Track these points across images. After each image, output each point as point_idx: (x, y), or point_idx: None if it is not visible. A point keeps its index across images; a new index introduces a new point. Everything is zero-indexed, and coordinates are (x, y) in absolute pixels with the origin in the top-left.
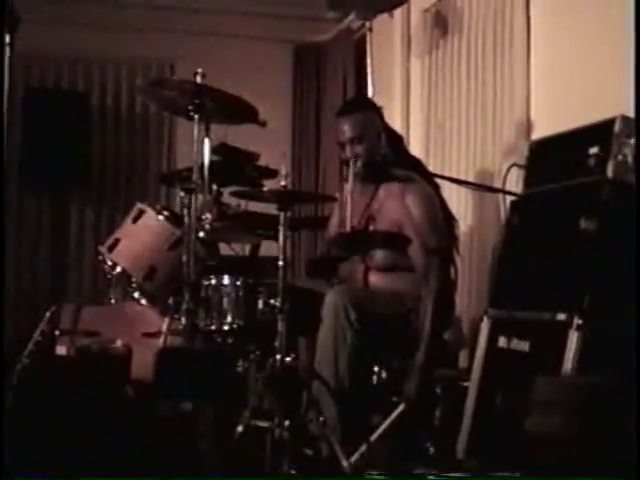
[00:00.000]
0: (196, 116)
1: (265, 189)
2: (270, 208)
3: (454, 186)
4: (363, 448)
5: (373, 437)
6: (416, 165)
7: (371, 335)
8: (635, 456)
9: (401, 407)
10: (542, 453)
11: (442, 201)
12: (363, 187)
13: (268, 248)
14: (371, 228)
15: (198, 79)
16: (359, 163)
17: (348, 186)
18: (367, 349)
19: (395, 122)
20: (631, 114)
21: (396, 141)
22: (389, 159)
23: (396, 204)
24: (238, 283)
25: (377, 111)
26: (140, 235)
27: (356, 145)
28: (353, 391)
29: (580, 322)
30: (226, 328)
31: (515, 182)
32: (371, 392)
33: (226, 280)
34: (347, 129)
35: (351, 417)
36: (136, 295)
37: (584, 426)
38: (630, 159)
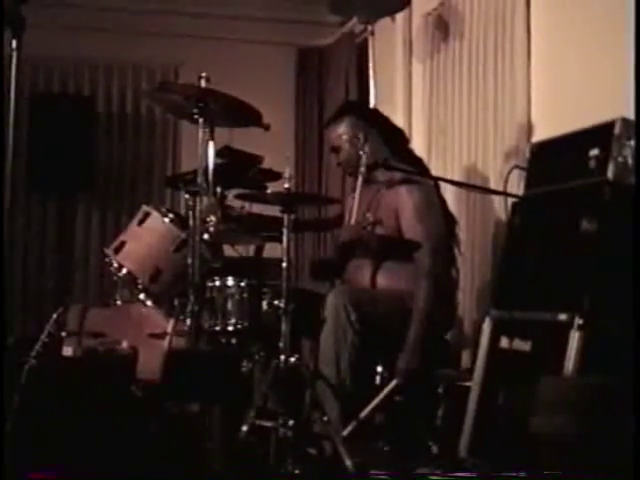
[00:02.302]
0: (200, 119)
1: (269, 191)
2: (274, 210)
3: (456, 188)
4: (354, 423)
5: (364, 413)
6: (417, 163)
7: (372, 335)
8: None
9: (394, 382)
10: (547, 453)
11: (443, 202)
12: (368, 189)
13: (272, 250)
14: (378, 230)
15: (202, 83)
16: (348, 170)
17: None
18: (368, 349)
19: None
20: (631, 116)
21: (395, 139)
22: (385, 158)
23: (395, 193)
24: (242, 284)
25: (359, 114)
26: (146, 237)
27: (336, 154)
28: (355, 391)
29: (581, 322)
30: (230, 329)
31: (516, 184)
32: (374, 392)
33: (230, 282)
34: (328, 140)
35: (354, 416)
36: (142, 297)
37: (589, 426)
38: (630, 161)
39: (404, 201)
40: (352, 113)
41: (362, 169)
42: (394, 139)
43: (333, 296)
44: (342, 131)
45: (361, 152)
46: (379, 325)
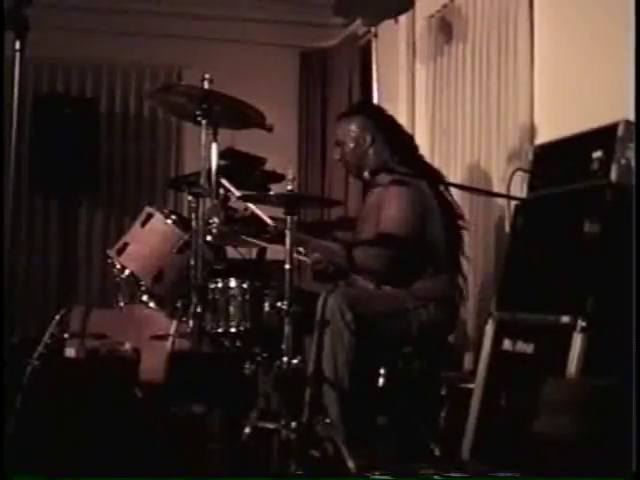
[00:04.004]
0: (204, 121)
1: (272, 193)
2: (277, 212)
3: (459, 191)
4: None
5: None
6: (421, 166)
7: (369, 335)
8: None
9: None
10: (550, 454)
11: (447, 201)
12: (371, 192)
13: (275, 251)
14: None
15: (205, 84)
16: (346, 167)
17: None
18: (366, 349)
19: None
20: (634, 118)
21: (400, 142)
22: (386, 162)
23: (380, 193)
24: (245, 286)
25: (371, 115)
26: (148, 239)
27: (338, 148)
28: (354, 391)
29: (584, 324)
30: (233, 331)
31: (520, 186)
32: (376, 393)
33: (233, 283)
34: (335, 133)
35: (355, 417)
36: (144, 298)
37: (592, 427)
38: (633, 163)
39: (387, 198)
40: (364, 113)
41: (366, 173)
42: (401, 145)
43: (330, 297)
44: (350, 128)
45: (363, 153)
46: (376, 325)
